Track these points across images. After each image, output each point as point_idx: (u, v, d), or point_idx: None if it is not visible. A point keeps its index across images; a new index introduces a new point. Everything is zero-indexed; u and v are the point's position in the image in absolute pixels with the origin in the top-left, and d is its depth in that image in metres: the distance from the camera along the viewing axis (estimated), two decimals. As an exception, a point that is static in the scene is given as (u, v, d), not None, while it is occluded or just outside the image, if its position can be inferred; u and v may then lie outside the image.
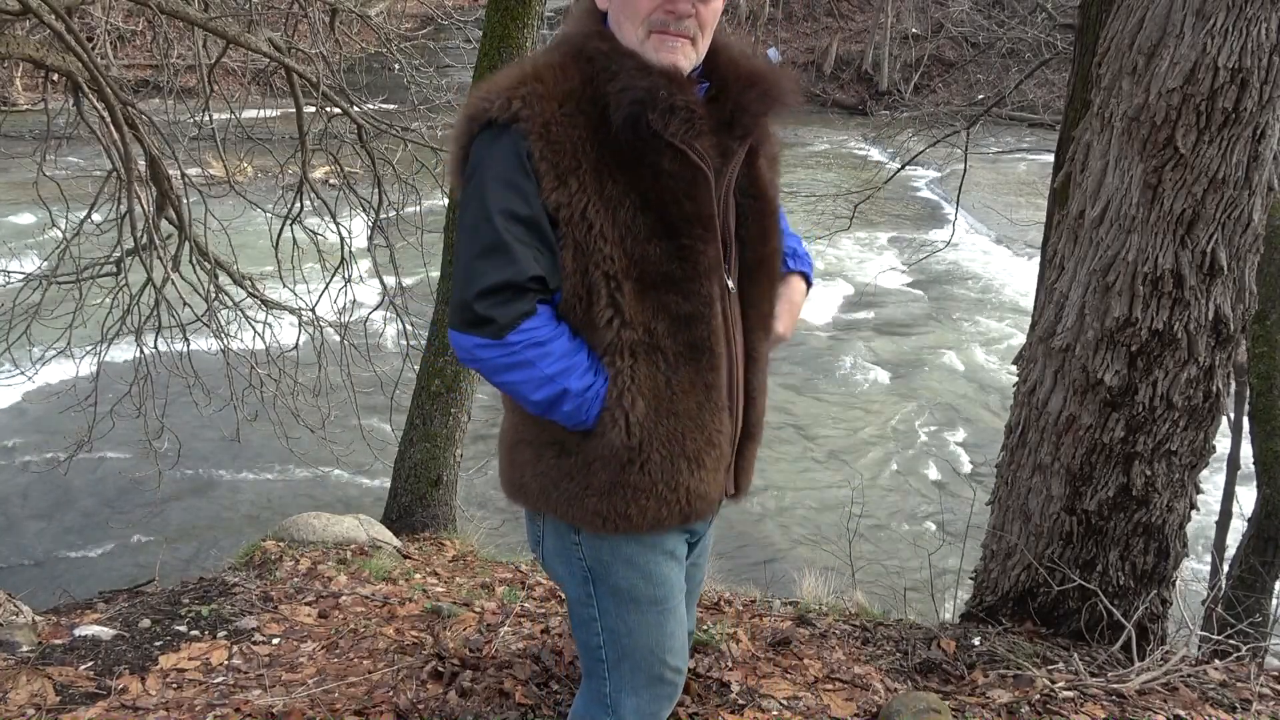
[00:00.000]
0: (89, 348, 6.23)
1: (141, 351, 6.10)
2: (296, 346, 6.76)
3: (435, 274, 5.04)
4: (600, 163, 1.48)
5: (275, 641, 3.21)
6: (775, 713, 2.59)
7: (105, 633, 3.22)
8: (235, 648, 3.12)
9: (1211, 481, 5.22)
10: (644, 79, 1.47)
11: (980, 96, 19.76)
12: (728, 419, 1.62)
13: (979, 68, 25.55)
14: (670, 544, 1.69)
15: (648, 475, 1.57)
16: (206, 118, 6.18)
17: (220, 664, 3.01)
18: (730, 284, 1.60)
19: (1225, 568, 5.38)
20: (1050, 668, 2.85)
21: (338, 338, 6.72)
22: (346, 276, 6.63)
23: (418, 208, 7.16)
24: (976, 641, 3.07)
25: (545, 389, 1.52)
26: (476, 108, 1.50)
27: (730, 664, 2.87)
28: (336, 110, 6.37)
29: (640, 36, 1.49)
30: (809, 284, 1.84)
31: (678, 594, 1.74)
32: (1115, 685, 2.69)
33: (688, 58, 1.53)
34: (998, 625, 3.25)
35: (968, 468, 9.73)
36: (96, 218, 5.96)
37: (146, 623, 3.32)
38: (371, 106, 7.82)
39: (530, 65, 1.53)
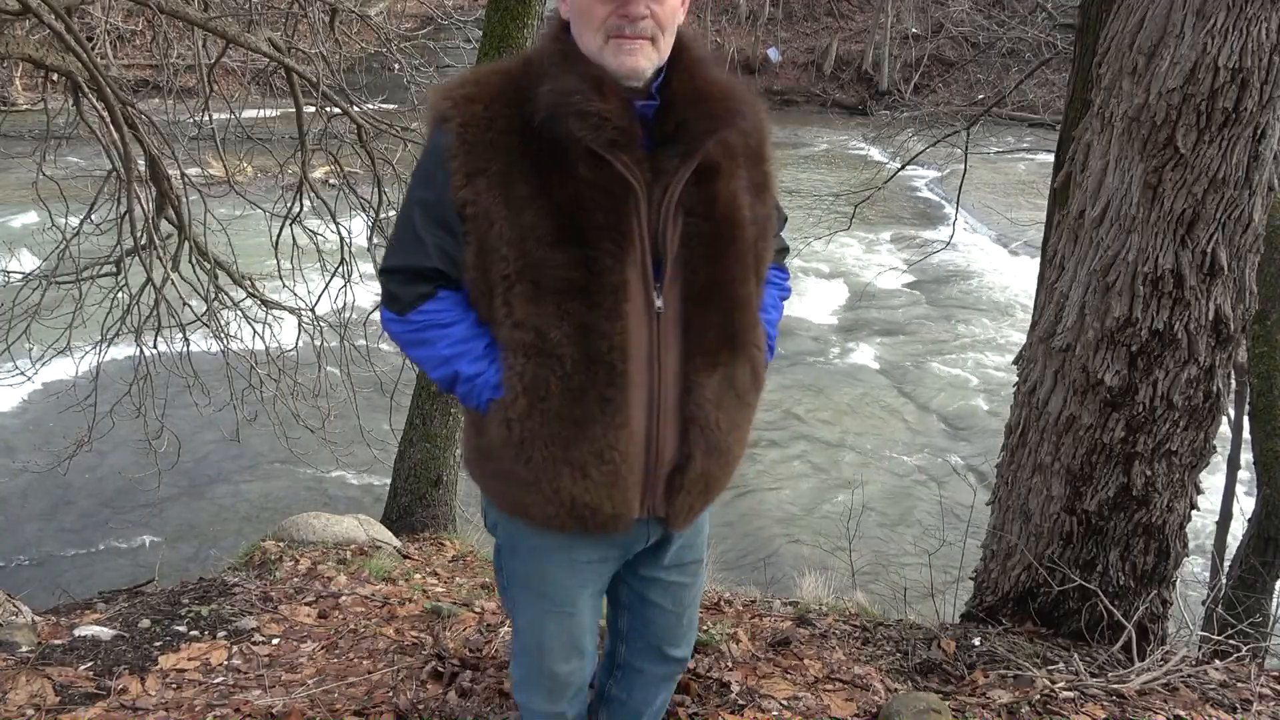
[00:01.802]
0: (89, 348, 6.23)
1: (141, 351, 6.10)
2: (296, 346, 6.76)
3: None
4: (516, 164, 1.50)
5: (275, 642, 3.21)
6: (775, 713, 2.59)
7: (105, 633, 3.22)
8: (235, 648, 3.12)
9: (1211, 481, 5.22)
10: (568, 82, 1.49)
11: (980, 96, 19.76)
12: (632, 440, 1.57)
13: (979, 68, 25.55)
14: (579, 550, 1.71)
15: (531, 472, 1.60)
16: (206, 118, 6.18)
17: (220, 664, 3.00)
18: (658, 303, 1.54)
19: (1225, 568, 5.38)
20: (1050, 668, 2.85)
21: (338, 338, 6.72)
22: (346, 276, 6.63)
23: (417, 208, 7.13)
24: (976, 641, 3.07)
25: (441, 369, 1.62)
26: (430, 107, 1.61)
27: (730, 664, 2.87)
28: (336, 110, 6.37)
29: (599, 43, 1.50)
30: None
31: (574, 602, 1.77)
32: (1115, 685, 2.69)
33: (648, 58, 1.52)
34: (998, 625, 3.25)
35: (968, 468, 9.73)
36: (96, 218, 5.96)
37: (146, 623, 3.32)
38: (371, 106, 7.81)
39: (483, 69, 1.63)
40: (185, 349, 6.26)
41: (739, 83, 1.65)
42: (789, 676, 2.82)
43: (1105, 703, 2.61)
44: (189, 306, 5.94)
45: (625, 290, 1.51)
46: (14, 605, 3.32)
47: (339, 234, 6.55)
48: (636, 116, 1.51)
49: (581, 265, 1.50)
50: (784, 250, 1.87)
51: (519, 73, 1.56)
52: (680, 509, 1.67)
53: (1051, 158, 4.52)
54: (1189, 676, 2.81)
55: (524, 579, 1.80)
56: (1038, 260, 3.97)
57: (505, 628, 3.19)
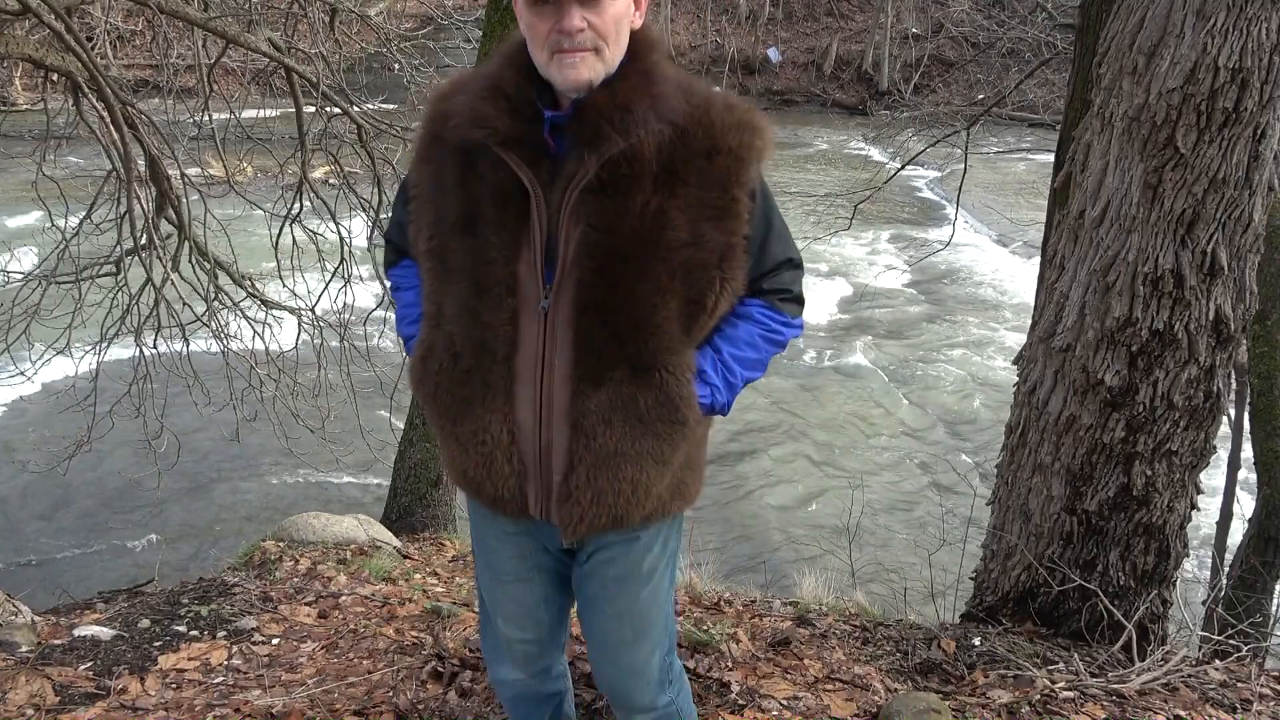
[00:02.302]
0: (88, 348, 6.23)
1: (141, 351, 6.09)
2: (296, 346, 6.75)
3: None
4: (451, 156, 1.63)
5: (275, 642, 3.21)
6: (775, 713, 2.59)
7: (105, 633, 3.22)
8: (235, 648, 3.12)
9: (1211, 481, 5.22)
10: (472, 88, 1.62)
11: (980, 96, 19.77)
12: (515, 429, 1.64)
13: (979, 68, 25.56)
14: (501, 520, 1.80)
15: (439, 437, 1.78)
16: (206, 118, 6.17)
17: (220, 664, 3.00)
18: (544, 304, 1.57)
19: (1225, 568, 5.38)
20: (1050, 668, 2.85)
21: (337, 338, 6.72)
22: (346, 276, 6.63)
23: (418, 208, 7.13)
24: (976, 642, 3.07)
25: (399, 325, 1.87)
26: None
27: (730, 664, 2.87)
28: (336, 110, 6.36)
29: (545, 59, 1.53)
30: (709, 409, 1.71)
31: (515, 570, 1.85)
32: (1115, 685, 2.69)
33: (591, 69, 1.52)
34: (998, 625, 3.25)
35: (968, 468, 9.73)
36: (96, 218, 5.96)
37: (146, 623, 3.32)
38: (371, 106, 7.81)
39: (473, 70, 1.79)
40: (185, 349, 6.26)
41: (702, 99, 1.57)
42: (789, 676, 2.82)
43: (1105, 703, 2.61)
44: (189, 306, 5.94)
45: (514, 284, 1.59)
46: (14, 605, 3.32)
47: (339, 234, 6.55)
48: (543, 122, 1.56)
49: (473, 253, 1.60)
50: (787, 295, 1.73)
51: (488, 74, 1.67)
52: (569, 517, 1.66)
53: (1051, 158, 4.52)
54: (1189, 676, 2.81)
55: (475, 544, 1.93)
56: (1038, 260, 3.97)
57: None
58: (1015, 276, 15.55)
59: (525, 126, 1.56)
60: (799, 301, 1.77)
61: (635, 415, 1.62)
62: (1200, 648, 3.57)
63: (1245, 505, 5.52)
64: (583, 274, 1.55)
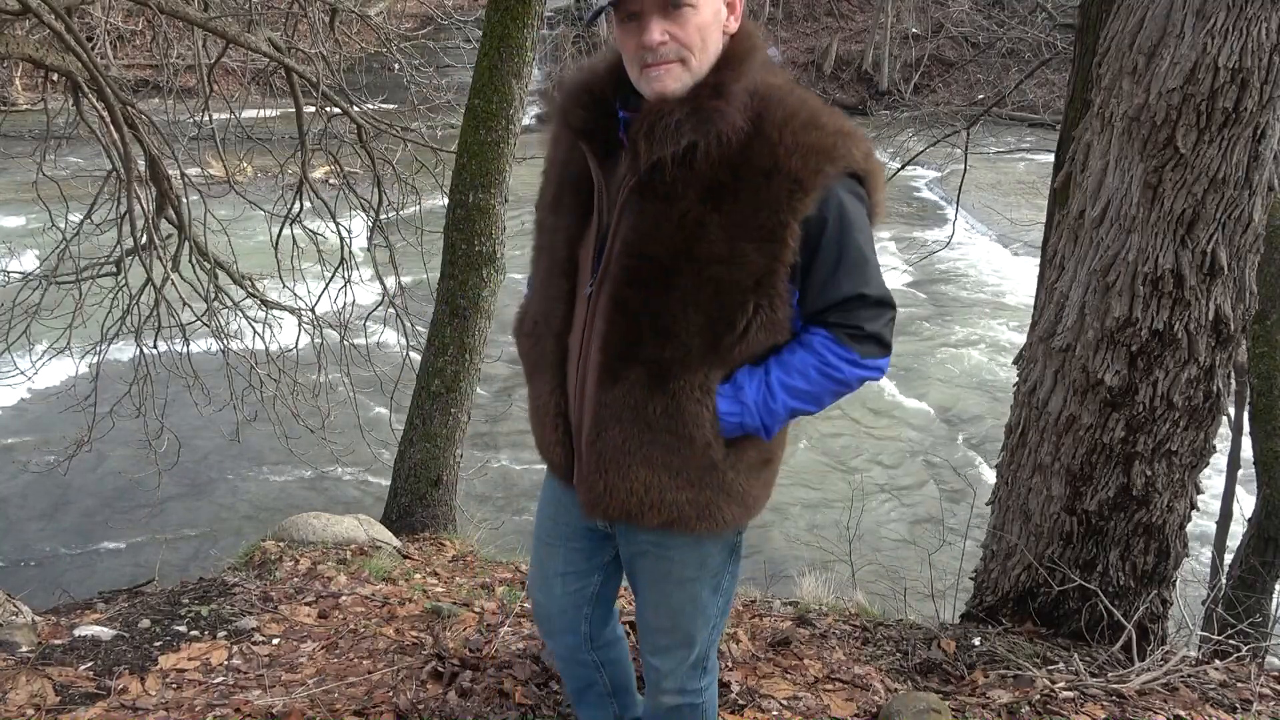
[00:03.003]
0: (89, 348, 6.23)
1: (141, 352, 6.10)
2: (296, 346, 6.76)
3: (435, 274, 5.04)
4: (560, 138, 1.75)
5: (275, 641, 3.21)
6: (775, 713, 2.59)
7: (105, 633, 3.22)
8: (235, 648, 3.12)
9: (1211, 482, 5.23)
10: (579, 75, 1.70)
11: (980, 96, 19.76)
12: (553, 401, 1.75)
13: (979, 68, 25.55)
14: (556, 485, 1.88)
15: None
16: (206, 118, 6.18)
17: (220, 664, 3.00)
18: (589, 290, 1.64)
19: (1225, 568, 5.38)
20: (1050, 668, 2.85)
21: (338, 338, 6.72)
22: (346, 276, 6.63)
23: (418, 208, 7.16)
24: (976, 641, 3.07)
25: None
26: None
27: (730, 664, 2.87)
28: (336, 110, 6.37)
29: (636, 74, 1.57)
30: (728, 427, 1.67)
31: (550, 532, 1.92)
32: (1115, 685, 2.69)
33: (677, 80, 1.54)
34: (998, 625, 3.25)
35: (968, 468, 9.73)
36: (96, 218, 5.96)
37: (146, 623, 3.32)
38: (371, 106, 7.82)
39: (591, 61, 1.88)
40: (185, 349, 6.26)
41: (782, 116, 1.52)
42: (789, 676, 2.82)
43: (1105, 703, 2.61)
44: (189, 306, 5.94)
45: (573, 267, 1.69)
46: (14, 605, 3.32)
47: (339, 234, 6.55)
48: (618, 120, 1.61)
49: (553, 232, 1.72)
50: (858, 332, 1.62)
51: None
52: (585, 496, 1.73)
53: (1051, 158, 4.51)
54: (1189, 676, 2.81)
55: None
56: (1038, 260, 3.97)
57: (505, 628, 3.19)
58: (1015, 276, 15.55)
59: (601, 122, 1.63)
60: (876, 341, 1.64)
61: (643, 420, 1.62)
62: (1200, 648, 3.57)
63: (1245, 505, 5.52)
64: (619, 271, 1.60)
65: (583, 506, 1.74)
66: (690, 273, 1.55)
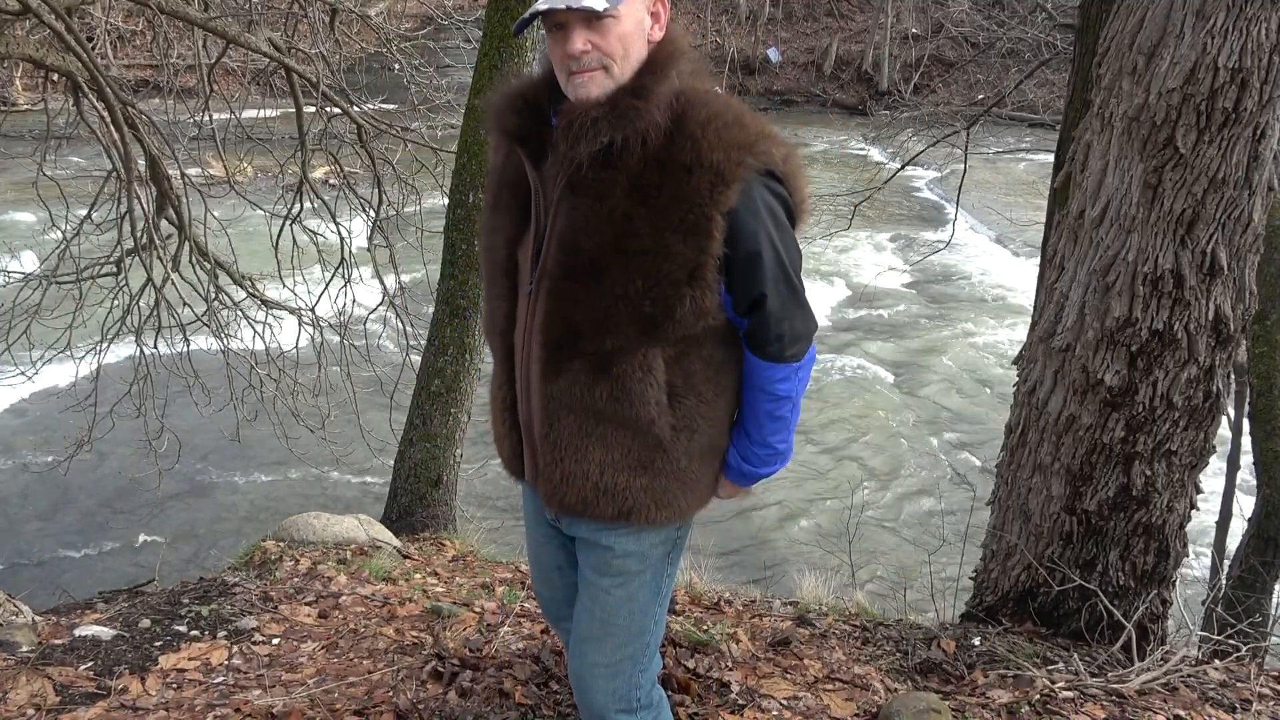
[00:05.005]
0: (89, 348, 6.23)
1: (141, 351, 6.10)
2: (296, 346, 6.76)
3: (435, 274, 5.04)
4: (498, 145, 1.81)
5: (275, 641, 3.21)
6: (775, 713, 2.59)
7: (105, 633, 3.22)
8: (235, 648, 3.12)
9: (1211, 482, 5.23)
10: (511, 84, 1.77)
11: (980, 96, 19.77)
12: (501, 395, 1.83)
13: (979, 68, 25.55)
14: (524, 483, 1.92)
15: None
16: (206, 118, 6.18)
17: (220, 664, 3.00)
18: (529, 289, 1.69)
19: (1225, 568, 5.38)
20: (1050, 668, 2.85)
21: (338, 338, 6.72)
22: (346, 276, 6.63)
23: (418, 208, 7.16)
24: (976, 641, 3.07)
25: None
26: None
27: (730, 664, 2.87)
28: (336, 110, 6.37)
29: (564, 81, 1.64)
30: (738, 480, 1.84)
31: (533, 531, 1.98)
32: (1115, 685, 2.69)
33: (601, 86, 1.60)
34: (998, 625, 3.25)
35: (968, 468, 9.73)
36: (96, 218, 5.96)
37: (146, 623, 3.32)
38: (371, 106, 7.82)
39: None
40: (185, 349, 6.26)
41: (704, 116, 1.57)
42: (789, 676, 2.83)
43: (1105, 703, 2.61)
44: (189, 306, 5.95)
45: (513, 267, 1.75)
46: (14, 605, 3.32)
47: (339, 234, 6.55)
48: (550, 124, 1.66)
49: (494, 233, 1.78)
50: (779, 342, 1.67)
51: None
52: (544, 487, 1.77)
53: (1051, 158, 4.52)
54: (1189, 676, 2.81)
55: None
56: (1038, 260, 3.97)
57: (505, 627, 3.19)
58: (1015, 276, 15.54)
59: (533, 127, 1.68)
60: (796, 339, 1.69)
61: (592, 408, 1.67)
62: (1200, 648, 3.57)
63: (1245, 505, 5.52)
64: (554, 267, 1.65)
65: (543, 499, 1.79)
66: (620, 265, 1.59)
